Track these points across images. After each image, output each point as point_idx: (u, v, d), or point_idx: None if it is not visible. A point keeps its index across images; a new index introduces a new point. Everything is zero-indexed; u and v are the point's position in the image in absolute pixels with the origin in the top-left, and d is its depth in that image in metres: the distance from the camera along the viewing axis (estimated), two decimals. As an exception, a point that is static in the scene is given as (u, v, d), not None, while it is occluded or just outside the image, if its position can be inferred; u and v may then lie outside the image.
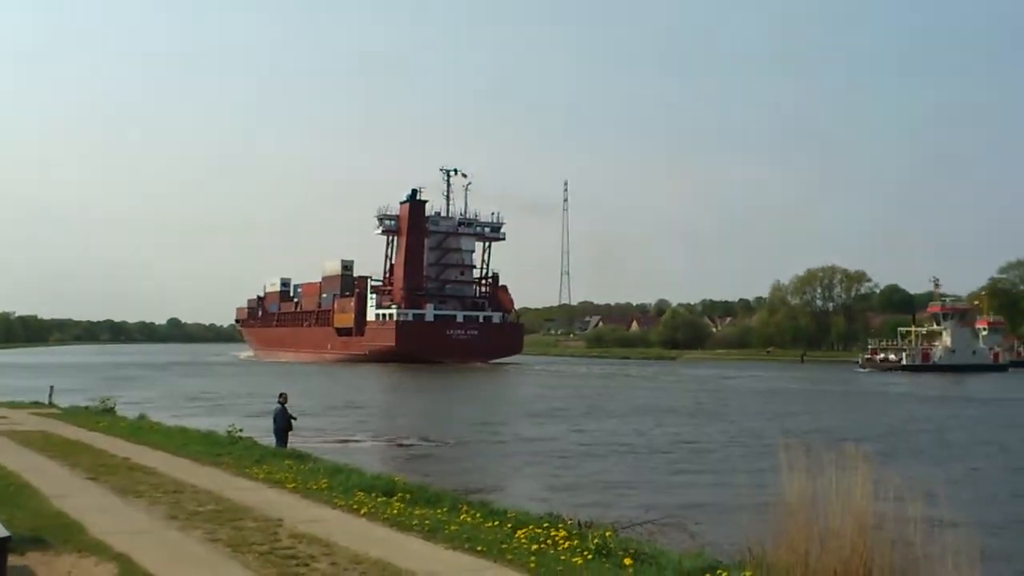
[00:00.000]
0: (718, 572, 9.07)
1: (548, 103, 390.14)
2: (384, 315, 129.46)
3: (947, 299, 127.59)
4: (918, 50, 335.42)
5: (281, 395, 23.29)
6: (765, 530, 11.52)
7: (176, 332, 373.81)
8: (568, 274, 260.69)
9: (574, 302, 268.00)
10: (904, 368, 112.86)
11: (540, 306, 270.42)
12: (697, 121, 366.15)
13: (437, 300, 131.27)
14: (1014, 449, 34.31)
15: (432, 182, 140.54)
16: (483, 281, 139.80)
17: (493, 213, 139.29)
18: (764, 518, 11.86)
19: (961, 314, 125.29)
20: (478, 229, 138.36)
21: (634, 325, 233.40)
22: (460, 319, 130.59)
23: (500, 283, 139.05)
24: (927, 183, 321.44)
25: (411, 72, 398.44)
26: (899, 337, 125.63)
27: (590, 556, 9.77)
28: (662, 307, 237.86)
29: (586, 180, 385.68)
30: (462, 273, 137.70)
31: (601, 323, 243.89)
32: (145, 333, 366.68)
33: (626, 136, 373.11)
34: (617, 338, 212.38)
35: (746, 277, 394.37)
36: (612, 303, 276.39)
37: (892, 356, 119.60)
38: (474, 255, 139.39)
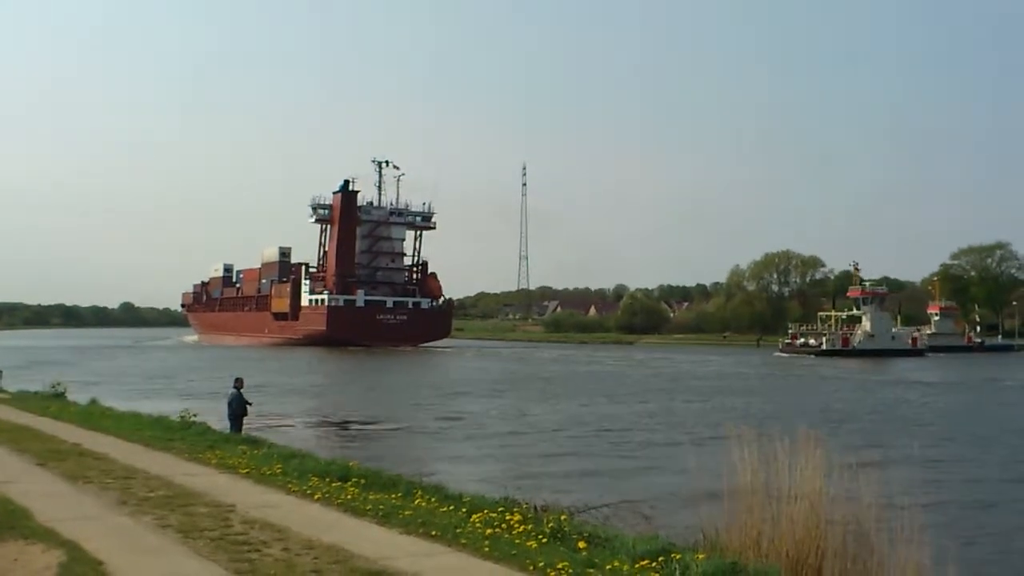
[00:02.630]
0: (672, 555, 9.09)
1: (505, 88, 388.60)
2: (316, 300, 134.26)
3: (866, 283, 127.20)
4: (887, 39, 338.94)
5: (237, 380, 23.08)
6: (719, 513, 11.64)
7: (129, 316, 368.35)
8: (526, 258, 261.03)
9: (532, 287, 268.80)
10: (823, 353, 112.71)
11: (499, 291, 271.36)
12: (659, 108, 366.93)
13: (368, 286, 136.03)
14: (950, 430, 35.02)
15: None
16: (414, 268, 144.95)
17: (424, 203, 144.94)
18: (718, 502, 11.98)
19: (880, 299, 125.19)
20: (409, 218, 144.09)
21: (592, 310, 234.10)
22: (390, 304, 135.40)
23: (429, 270, 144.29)
24: (887, 172, 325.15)
25: (357, 58, 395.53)
26: (819, 322, 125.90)
27: (545, 540, 9.78)
28: (620, 292, 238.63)
29: (545, 165, 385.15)
30: (393, 260, 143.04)
31: (559, 308, 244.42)
32: (98, 317, 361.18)
33: (588, 122, 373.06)
34: (575, 323, 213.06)
35: (704, 263, 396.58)
36: (571, 288, 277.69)
37: (812, 341, 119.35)
38: (405, 243, 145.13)
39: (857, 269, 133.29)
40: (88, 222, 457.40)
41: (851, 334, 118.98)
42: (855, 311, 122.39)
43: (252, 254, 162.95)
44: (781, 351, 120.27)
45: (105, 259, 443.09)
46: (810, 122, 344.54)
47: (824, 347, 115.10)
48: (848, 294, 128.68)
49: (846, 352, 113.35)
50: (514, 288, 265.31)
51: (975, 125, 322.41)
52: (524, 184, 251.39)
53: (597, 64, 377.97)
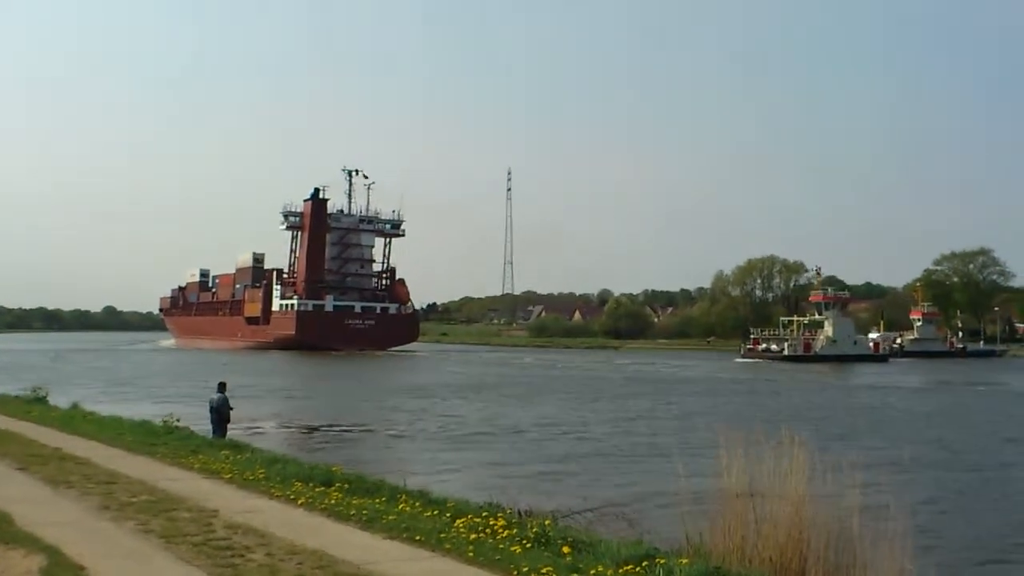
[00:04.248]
0: (656, 560, 9.10)
1: (489, 94, 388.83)
2: (287, 305, 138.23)
3: (828, 288, 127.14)
4: (877, 43, 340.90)
5: (220, 384, 22.96)
6: (703, 517, 11.67)
7: (112, 320, 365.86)
8: (511, 263, 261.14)
9: (517, 291, 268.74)
10: (785, 358, 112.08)
11: (483, 295, 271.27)
12: (645, 113, 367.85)
13: (337, 292, 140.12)
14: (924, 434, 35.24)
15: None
16: (383, 275, 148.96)
17: (394, 211, 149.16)
18: (702, 506, 12.01)
19: (843, 303, 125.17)
20: (379, 226, 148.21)
21: (577, 315, 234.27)
22: (358, 310, 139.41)
23: (398, 277, 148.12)
24: (869, 177, 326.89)
25: (334, 66, 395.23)
26: (781, 327, 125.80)
27: (529, 545, 9.78)
28: (605, 297, 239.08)
29: (530, 169, 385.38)
30: (362, 267, 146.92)
31: (544, 313, 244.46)
32: (80, 321, 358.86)
33: (573, 127, 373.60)
34: (560, 328, 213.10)
35: (689, 268, 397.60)
36: (555, 292, 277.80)
37: (774, 346, 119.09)
38: (374, 250, 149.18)
39: (819, 274, 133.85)
40: (73, 225, 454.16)
41: (813, 339, 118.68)
42: (817, 316, 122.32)
43: (231, 259, 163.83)
44: (743, 356, 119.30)
45: (88, 263, 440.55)
46: (797, 127, 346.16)
47: (786, 352, 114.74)
48: (810, 299, 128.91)
49: (808, 357, 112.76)
50: (499, 293, 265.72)
51: (969, 128, 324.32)
52: (509, 189, 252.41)
53: (582, 68, 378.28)
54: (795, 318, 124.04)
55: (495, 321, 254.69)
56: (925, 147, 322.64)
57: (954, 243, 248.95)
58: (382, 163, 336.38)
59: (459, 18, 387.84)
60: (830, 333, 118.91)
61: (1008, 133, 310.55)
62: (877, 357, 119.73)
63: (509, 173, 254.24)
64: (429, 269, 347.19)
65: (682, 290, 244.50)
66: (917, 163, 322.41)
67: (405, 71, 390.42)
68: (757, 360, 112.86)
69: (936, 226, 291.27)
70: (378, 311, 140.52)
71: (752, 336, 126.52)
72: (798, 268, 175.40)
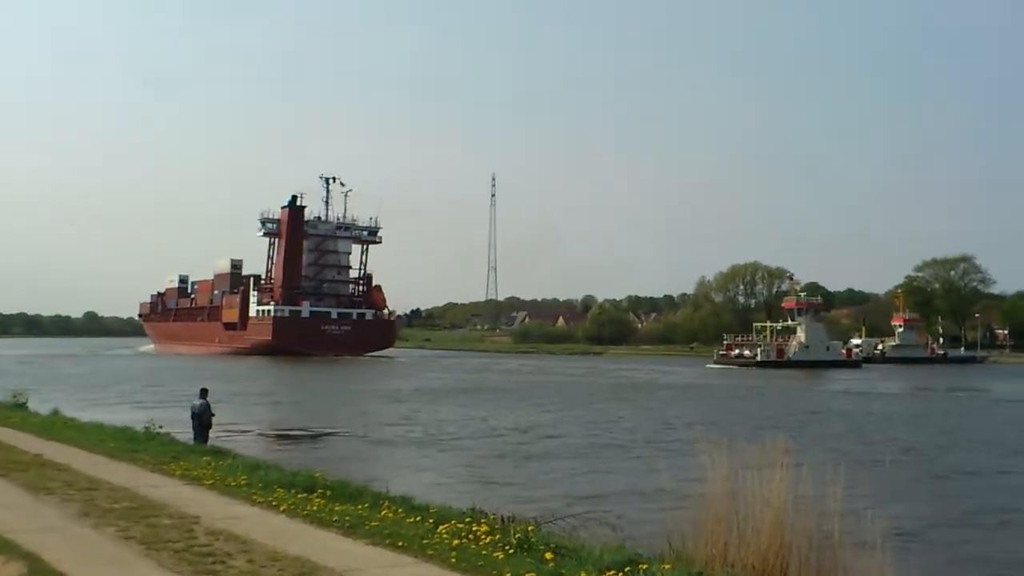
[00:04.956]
0: (638, 566, 9.12)
1: (473, 97, 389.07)
2: (263, 311, 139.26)
3: (802, 294, 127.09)
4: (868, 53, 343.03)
5: (203, 390, 22.86)
6: (686, 523, 11.69)
7: (93, 326, 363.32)
8: (495, 269, 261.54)
9: (501, 297, 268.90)
10: (758, 364, 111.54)
11: (467, 301, 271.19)
12: (631, 119, 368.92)
13: (314, 298, 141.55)
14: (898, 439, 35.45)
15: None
16: (360, 281, 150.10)
17: (371, 218, 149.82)
18: (685, 511, 12.03)
19: (816, 310, 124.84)
20: (356, 233, 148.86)
21: (560, 321, 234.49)
22: (335, 316, 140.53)
23: (375, 283, 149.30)
24: (850, 185, 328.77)
25: (316, 74, 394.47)
26: (754, 332, 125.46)
27: (511, 551, 9.77)
28: (588, 303, 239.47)
29: (515, 175, 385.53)
30: (339, 273, 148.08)
31: (528, 319, 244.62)
32: (61, 327, 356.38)
33: (559, 133, 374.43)
34: (544, 334, 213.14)
35: (673, 274, 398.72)
36: (539, 299, 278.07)
37: (747, 352, 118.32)
38: (351, 257, 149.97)
39: (792, 280, 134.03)
40: (51, 229, 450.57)
41: (786, 345, 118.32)
42: (790, 322, 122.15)
43: (211, 265, 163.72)
44: (716, 362, 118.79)
45: (68, 268, 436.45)
46: (785, 135, 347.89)
47: (759, 358, 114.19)
48: (783, 305, 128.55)
49: (781, 363, 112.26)
50: (483, 299, 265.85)
51: (960, 135, 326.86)
52: (493, 195, 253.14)
53: (569, 75, 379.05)
54: (768, 324, 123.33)
55: (479, 327, 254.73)
56: (913, 153, 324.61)
57: (936, 250, 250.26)
58: (367, 170, 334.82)
59: (445, 19, 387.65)
60: (803, 339, 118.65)
61: (997, 141, 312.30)
62: (850, 363, 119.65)
63: (493, 179, 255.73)
64: (414, 275, 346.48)
65: (666, 296, 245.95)
66: (903, 169, 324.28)
67: (392, 76, 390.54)
68: (729, 366, 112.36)
69: (918, 232, 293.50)
70: (354, 317, 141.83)
71: (725, 342, 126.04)
72: (780, 274, 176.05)
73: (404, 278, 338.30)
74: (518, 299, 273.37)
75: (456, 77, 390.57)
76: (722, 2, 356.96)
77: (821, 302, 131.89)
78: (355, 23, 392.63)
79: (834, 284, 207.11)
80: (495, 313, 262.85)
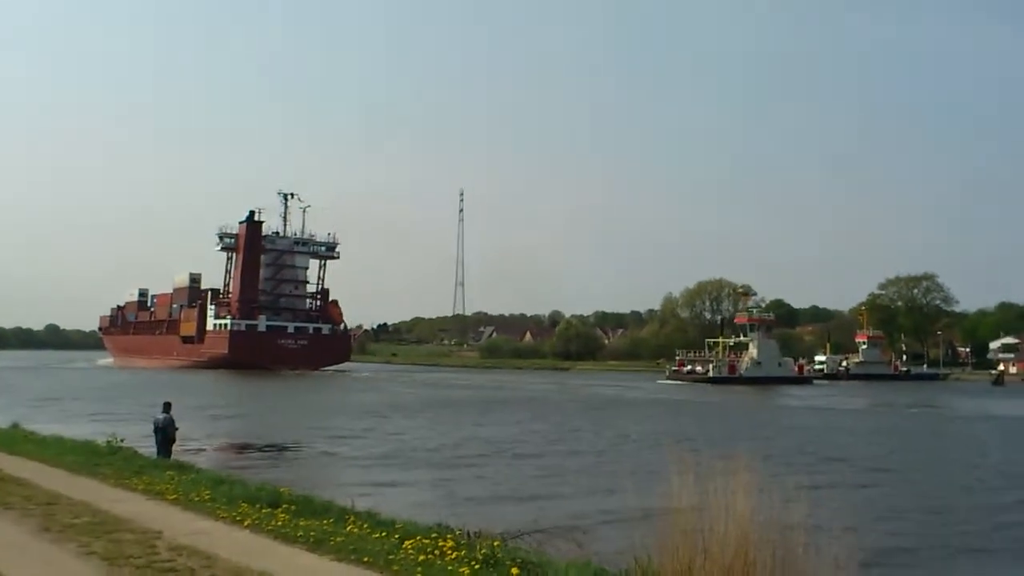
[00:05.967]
0: (604, 581, 9.13)
1: (437, 115, 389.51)
2: (220, 325, 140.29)
3: (753, 310, 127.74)
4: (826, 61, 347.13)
5: (166, 404, 22.67)
6: (651, 538, 11.70)
7: (55, 338, 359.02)
8: (463, 284, 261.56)
9: (468, 312, 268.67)
10: (710, 380, 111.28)
11: (434, 315, 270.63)
12: (597, 134, 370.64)
13: (271, 312, 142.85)
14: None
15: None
16: (316, 296, 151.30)
17: (329, 233, 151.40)
18: (650, 525, 12.05)
19: (768, 326, 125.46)
20: (313, 248, 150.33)
21: (528, 336, 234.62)
22: (291, 330, 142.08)
23: (331, 298, 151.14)
24: (817, 202, 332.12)
25: (280, 89, 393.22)
26: (706, 348, 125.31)
27: (477, 566, 9.74)
28: (556, 318, 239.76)
29: (484, 191, 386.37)
30: (296, 288, 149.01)
31: (495, 334, 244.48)
32: (22, 339, 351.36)
33: (528, 149, 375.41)
34: (511, 349, 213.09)
35: (640, 290, 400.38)
36: (507, 314, 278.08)
37: (699, 368, 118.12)
38: (309, 272, 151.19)
39: (746, 295, 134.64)
40: (11, 238, 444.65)
41: (738, 361, 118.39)
42: (742, 338, 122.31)
43: (172, 279, 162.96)
44: (668, 378, 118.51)
45: (30, 280, 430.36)
46: (746, 152, 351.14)
47: (711, 374, 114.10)
48: (735, 320, 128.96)
49: (732, 379, 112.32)
50: (450, 314, 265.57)
51: (919, 155, 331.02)
52: (461, 211, 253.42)
53: (544, 92, 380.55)
54: (720, 339, 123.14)
55: (446, 342, 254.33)
56: (872, 171, 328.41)
57: (899, 267, 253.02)
58: (334, 183, 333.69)
59: (410, 33, 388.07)
60: (755, 355, 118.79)
61: (959, 161, 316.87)
62: (801, 379, 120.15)
63: (462, 194, 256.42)
64: (380, 289, 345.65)
65: (632, 312, 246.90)
66: (864, 187, 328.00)
67: (354, 91, 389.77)
68: (680, 382, 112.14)
69: (881, 251, 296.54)
70: (311, 331, 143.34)
71: (678, 357, 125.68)
72: (746, 291, 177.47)
73: (371, 293, 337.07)
74: (486, 314, 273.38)
75: (428, 91, 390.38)
76: (695, 17, 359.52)
77: (773, 318, 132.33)
78: (320, 36, 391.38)
79: (800, 301, 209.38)
80: (463, 328, 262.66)
